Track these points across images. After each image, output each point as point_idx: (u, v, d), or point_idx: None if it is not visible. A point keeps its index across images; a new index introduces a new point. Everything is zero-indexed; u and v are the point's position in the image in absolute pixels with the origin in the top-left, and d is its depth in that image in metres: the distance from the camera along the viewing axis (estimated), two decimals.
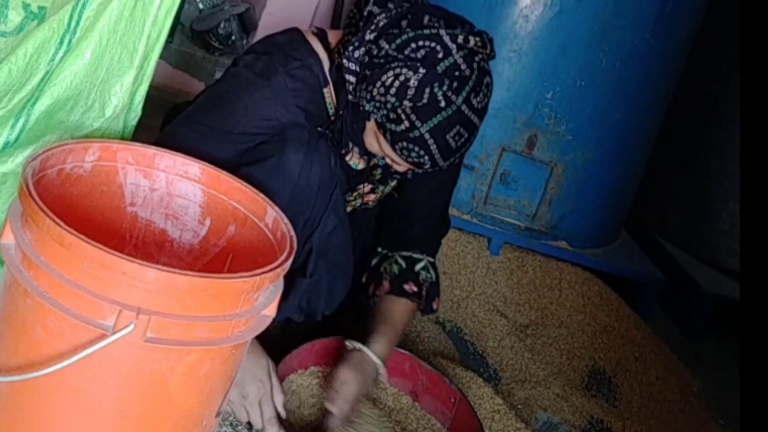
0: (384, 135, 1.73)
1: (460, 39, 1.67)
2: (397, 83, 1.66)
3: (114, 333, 1.20)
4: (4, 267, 1.28)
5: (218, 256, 1.56)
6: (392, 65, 1.67)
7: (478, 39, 1.69)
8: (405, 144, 1.70)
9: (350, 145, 1.85)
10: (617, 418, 2.40)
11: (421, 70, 1.65)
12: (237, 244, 1.53)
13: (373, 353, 1.87)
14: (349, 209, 1.97)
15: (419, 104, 1.66)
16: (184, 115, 1.85)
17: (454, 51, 1.66)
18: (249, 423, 1.75)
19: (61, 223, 1.21)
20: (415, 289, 1.99)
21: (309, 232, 1.83)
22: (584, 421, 2.33)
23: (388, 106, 1.68)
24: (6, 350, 1.30)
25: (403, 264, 2.01)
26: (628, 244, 3.26)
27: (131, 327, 1.20)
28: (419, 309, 2.04)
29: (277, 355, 1.83)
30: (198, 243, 1.58)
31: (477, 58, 1.69)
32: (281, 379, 1.80)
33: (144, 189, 1.54)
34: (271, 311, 1.36)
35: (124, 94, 1.69)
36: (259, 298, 1.33)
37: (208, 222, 1.56)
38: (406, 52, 1.66)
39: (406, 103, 1.66)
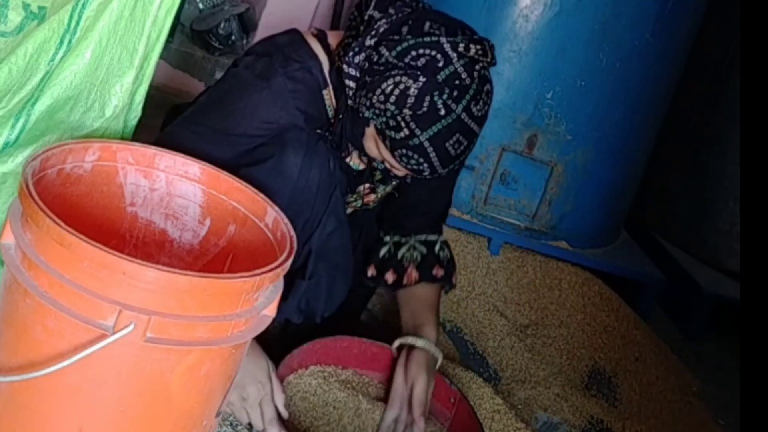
0: (383, 141, 1.72)
1: (461, 47, 1.66)
2: (397, 91, 1.65)
3: (114, 333, 1.20)
4: (4, 267, 1.28)
5: (218, 256, 1.56)
6: (392, 73, 1.66)
7: (479, 47, 1.68)
8: (404, 151, 1.70)
9: (350, 147, 1.85)
10: (617, 418, 2.39)
11: (422, 79, 1.64)
12: (237, 244, 1.53)
13: (432, 345, 1.91)
14: (349, 210, 1.97)
15: (419, 113, 1.65)
16: (185, 115, 1.85)
17: (455, 59, 1.65)
18: (250, 424, 1.75)
19: (61, 223, 1.21)
20: (441, 272, 2.04)
21: (308, 234, 1.82)
22: (584, 421, 2.32)
23: (388, 113, 1.67)
24: (6, 350, 1.30)
25: (424, 250, 2.04)
26: (628, 244, 3.25)
27: (131, 327, 1.20)
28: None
29: (277, 355, 1.83)
30: (198, 243, 1.58)
31: (477, 67, 1.68)
32: (281, 380, 1.80)
33: (144, 189, 1.54)
34: (271, 311, 1.36)
35: (124, 94, 1.69)
36: (259, 298, 1.33)
37: (208, 222, 1.56)
38: (407, 59, 1.66)
39: (405, 111, 1.65)
